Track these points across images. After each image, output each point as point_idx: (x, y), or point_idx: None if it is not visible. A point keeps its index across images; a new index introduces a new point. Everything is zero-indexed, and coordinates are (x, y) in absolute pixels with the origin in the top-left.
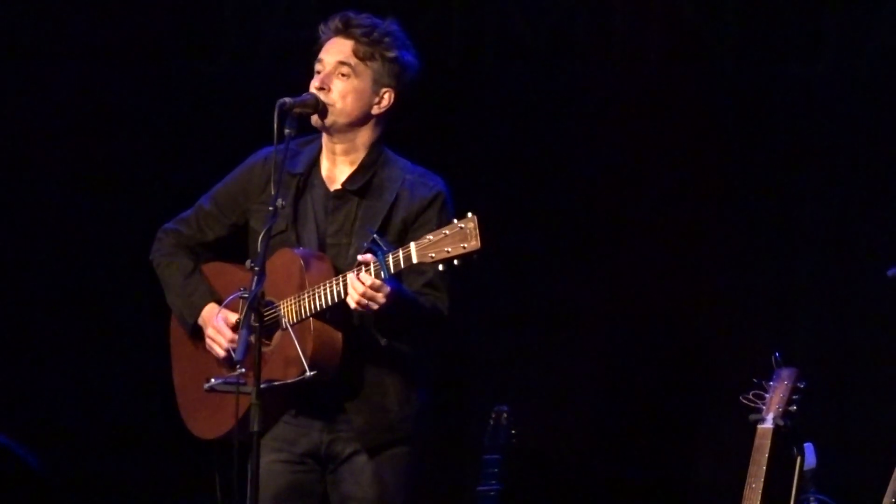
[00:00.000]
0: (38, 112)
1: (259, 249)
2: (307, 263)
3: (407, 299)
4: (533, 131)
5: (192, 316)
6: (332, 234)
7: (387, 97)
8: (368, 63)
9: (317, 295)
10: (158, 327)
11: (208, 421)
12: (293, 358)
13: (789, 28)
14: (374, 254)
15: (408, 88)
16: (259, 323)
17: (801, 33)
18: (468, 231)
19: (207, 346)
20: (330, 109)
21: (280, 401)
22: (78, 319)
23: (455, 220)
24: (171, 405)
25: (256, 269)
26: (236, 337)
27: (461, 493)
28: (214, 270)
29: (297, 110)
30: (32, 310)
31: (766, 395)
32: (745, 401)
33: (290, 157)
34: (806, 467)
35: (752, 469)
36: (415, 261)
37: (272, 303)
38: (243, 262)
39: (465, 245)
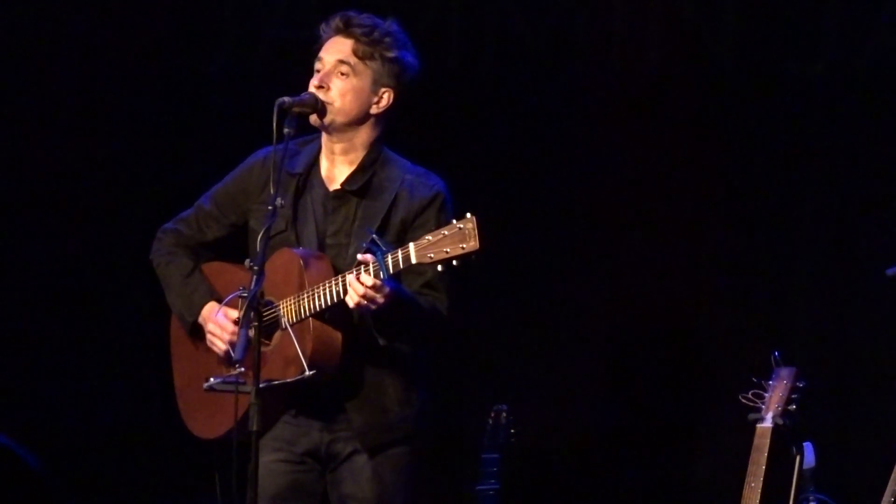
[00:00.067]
0: (38, 112)
1: (258, 249)
2: (307, 263)
3: (406, 300)
4: (533, 131)
5: (191, 315)
6: (332, 234)
7: (386, 97)
8: (368, 63)
9: (316, 295)
10: (158, 327)
11: (208, 421)
12: (292, 357)
13: (789, 27)
14: (374, 254)
15: (407, 88)
16: (258, 322)
17: (801, 33)
18: (467, 231)
19: (208, 343)
20: (328, 108)
21: (279, 400)
22: (78, 319)
23: (454, 221)
24: (171, 405)
25: (256, 268)
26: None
27: (460, 493)
28: (214, 270)
29: (296, 109)
30: (32, 310)
31: (766, 395)
32: (744, 400)
33: (289, 156)
34: (805, 466)
35: (751, 468)
36: (414, 261)
37: (271, 302)
38: (243, 262)
39: (464, 246)
